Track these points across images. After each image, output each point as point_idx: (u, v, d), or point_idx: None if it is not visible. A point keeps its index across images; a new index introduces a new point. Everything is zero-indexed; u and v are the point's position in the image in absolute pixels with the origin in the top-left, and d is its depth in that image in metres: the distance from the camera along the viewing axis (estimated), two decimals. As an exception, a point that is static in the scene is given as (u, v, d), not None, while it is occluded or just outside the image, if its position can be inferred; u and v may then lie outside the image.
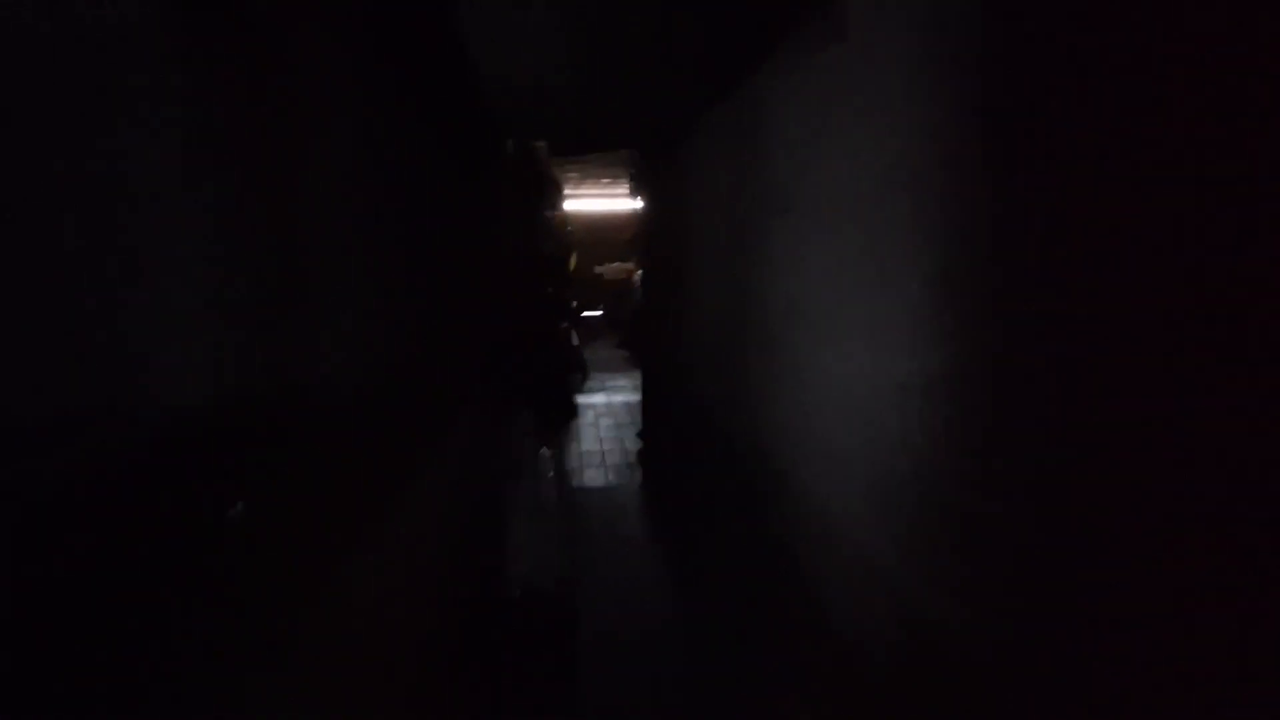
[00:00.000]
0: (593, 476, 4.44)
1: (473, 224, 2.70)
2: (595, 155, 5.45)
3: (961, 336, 1.08)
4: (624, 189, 8.19)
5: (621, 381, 7.26)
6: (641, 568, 3.17)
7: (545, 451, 4.66)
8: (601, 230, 9.72)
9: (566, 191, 7.31)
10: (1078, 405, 0.83)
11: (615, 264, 9.64)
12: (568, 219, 6.61)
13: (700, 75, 2.33)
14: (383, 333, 1.45)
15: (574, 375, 6.50)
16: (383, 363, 1.44)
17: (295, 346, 0.96)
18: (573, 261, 6.28)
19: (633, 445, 5.06)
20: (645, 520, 3.76)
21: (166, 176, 0.69)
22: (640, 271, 6.47)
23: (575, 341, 6.39)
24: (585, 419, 5.85)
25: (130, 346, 0.62)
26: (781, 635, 2.06)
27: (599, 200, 9.18)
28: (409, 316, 1.68)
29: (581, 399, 6.44)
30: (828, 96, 1.57)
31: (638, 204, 6.01)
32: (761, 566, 2.27)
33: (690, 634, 2.63)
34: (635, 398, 6.28)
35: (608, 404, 6.37)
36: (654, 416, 4.93)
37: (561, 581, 2.89)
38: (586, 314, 8.58)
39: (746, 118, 2.30)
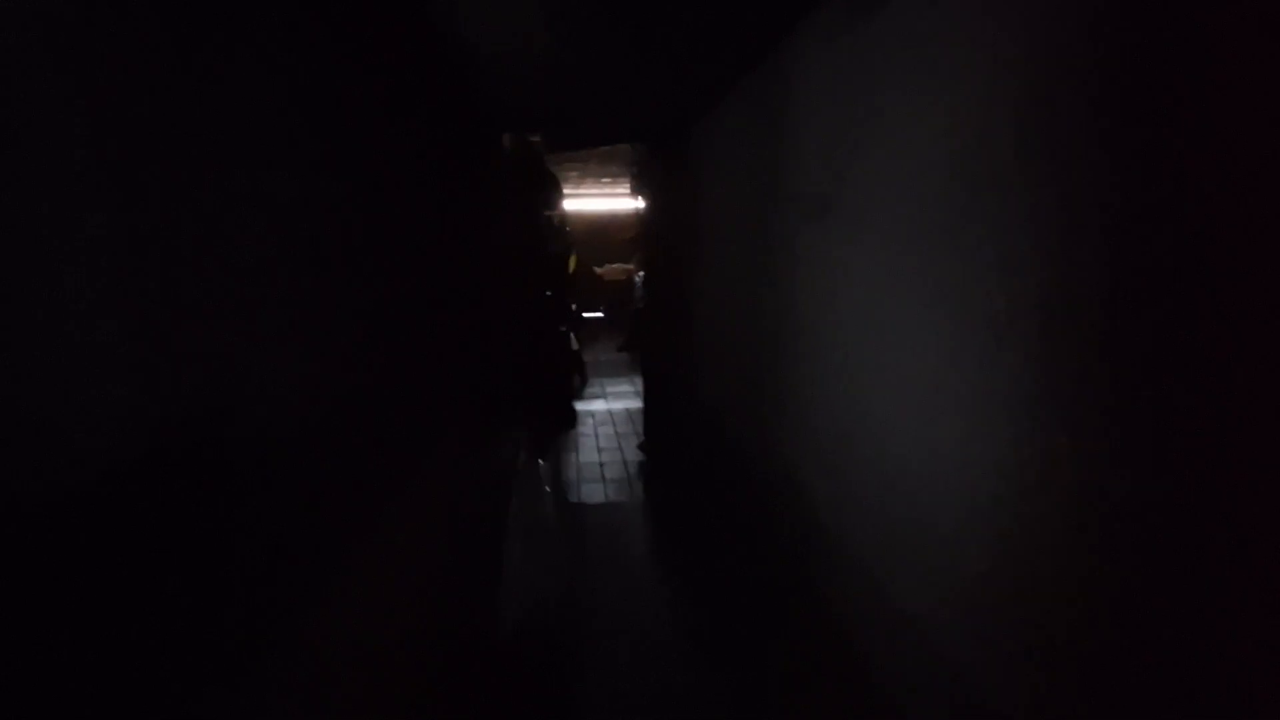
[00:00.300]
0: (591, 491, 4.20)
1: (462, 223, 2.48)
2: (594, 150, 5.22)
3: (1062, 375, 0.83)
4: (625, 188, 7.98)
5: (623, 386, 7.03)
6: (646, 606, 2.93)
7: (541, 463, 4.43)
8: (602, 230, 9.52)
9: (566, 190, 7.09)
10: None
11: (616, 265, 9.43)
12: (567, 218, 6.39)
13: (711, 53, 2.09)
14: (352, 344, 1.28)
15: (573, 380, 6.28)
16: (354, 376, 1.29)
17: (237, 368, 0.83)
18: (572, 262, 6.04)
19: (634, 457, 4.83)
20: (649, 544, 3.52)
21: (63, 169, 0.55)
22: (642, 273, 6.25)
23: (575, 345, 6.15)
24: (584, 427, 5.61)
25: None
26: (809, 691, 1.82)
27: (600, 199, 8.97)
28: (386, 323, 1.51)
29: (581, 405, 6.20)
30: (875, 71, 1.33)
31: (639, 203, 5.80)
32: (783, 608, 2.04)
33: (707, 691, 2.38)
34: (637, 404, 6.05)
35: (608, 411, 6.14)
36: (656, 426, 4.71)
37: (556, 628, 2.65)
38: (587, 315, 8.36)
39: (769, 102, 2.06)
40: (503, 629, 2.62)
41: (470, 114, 2.78)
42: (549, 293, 5.19)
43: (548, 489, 4.12)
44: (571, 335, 5.94)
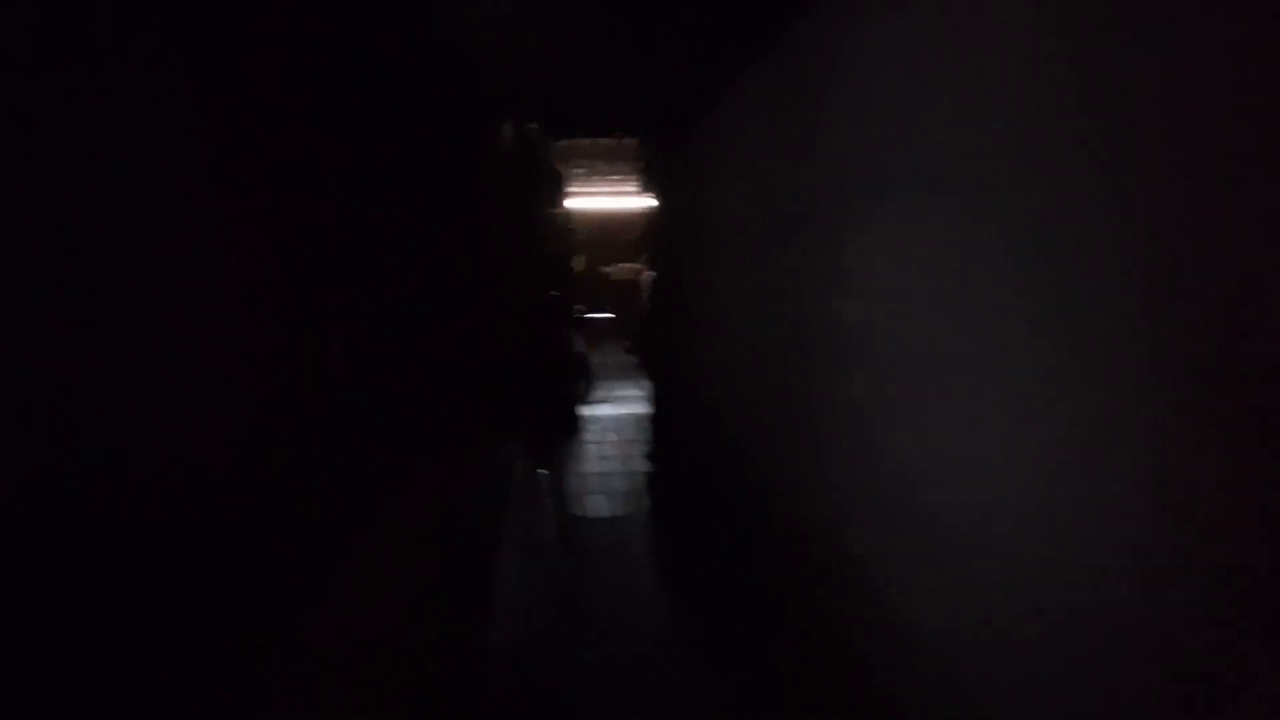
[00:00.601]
0: (595, 504, 3.99)
1: (449, 219, 2.29)
2: (601, 147, 5.02)
3: (1192, 396, 0.62)
4: (633, 186, 7.80)
5: (629, 391, 6.83)
6: (650, 621, 2.71)
7: (542, 474, 4.22)
8: (610, 229, 9.34)
9: (574, 189, 6.90)
10: None
11: (624, 264, 9.24)
12: (573, 217, 6.19)
13: (711, 52, 1.88)
14: (329, 347, 1.19)
15: (578, 385, 6.07)
16: (336, 380, 1.21)
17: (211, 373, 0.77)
18: (578, 262, 5.85)
19: (641, 466, 4.61)
20: (654, 560, 3.31)
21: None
22: (650, 272, 6.05)
23: (580, 347, 5.94)
24: (589, 433, 5.40)
25: None
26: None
27: (608, 198, 8.79)
28: (367, 324, 1.40)
29: (586, 410, 5.99)
30: (940, 35, 1.10)
31: (647, 201, 5.62)
32: (793, 619, 1.84)
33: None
34: (644, 409, 5.84)
35: (614, 417, 5.94)
36: (664, 433, 4.51)
37: (553, 657, 2.44)
38: (593, 316, 8.17)
39: (796, 82, 1.84)
40: (498, 645, 2.42)
41: (467, 106, 2.59)
42: (553, 293, 5.00)
43: (548, 501, 3.92)
44: (577, 337, 5.73)
